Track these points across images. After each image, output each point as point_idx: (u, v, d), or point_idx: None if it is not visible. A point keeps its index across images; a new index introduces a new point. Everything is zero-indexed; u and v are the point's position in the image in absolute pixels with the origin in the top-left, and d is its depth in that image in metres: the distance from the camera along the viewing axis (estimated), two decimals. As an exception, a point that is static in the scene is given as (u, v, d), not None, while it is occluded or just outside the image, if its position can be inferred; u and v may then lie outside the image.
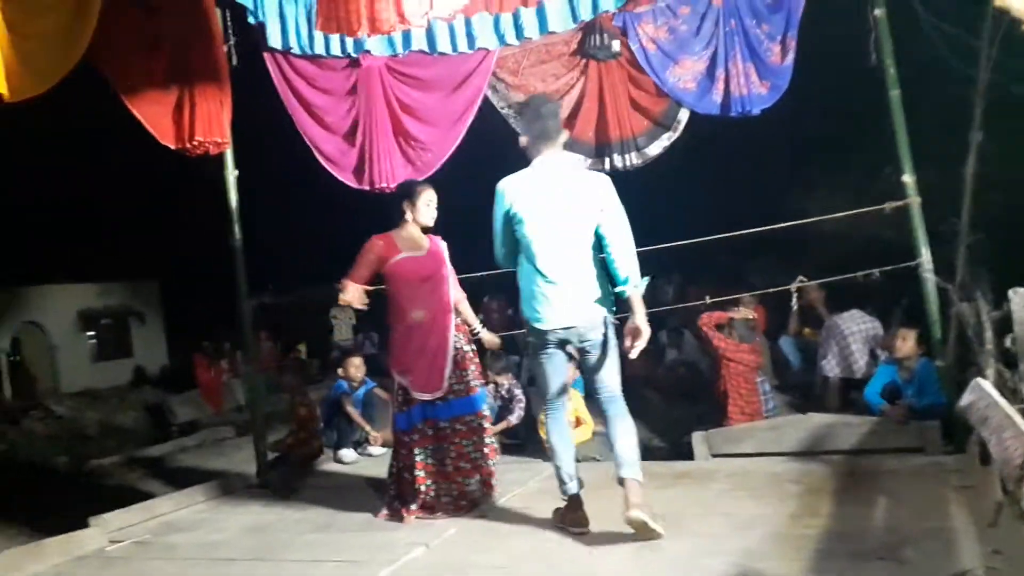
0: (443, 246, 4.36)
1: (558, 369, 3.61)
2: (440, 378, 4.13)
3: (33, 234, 15.28)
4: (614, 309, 3.55)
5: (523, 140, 3.57)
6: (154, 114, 5.07)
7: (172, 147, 5.15)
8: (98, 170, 14.26)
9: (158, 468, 7.70)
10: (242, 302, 5.43)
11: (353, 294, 4.10)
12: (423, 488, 4.11)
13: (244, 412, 9.49)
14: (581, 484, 3.61)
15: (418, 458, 4.13)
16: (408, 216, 4.24)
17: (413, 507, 4.09)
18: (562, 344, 3.54)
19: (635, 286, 3.42)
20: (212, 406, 10.88)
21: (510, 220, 3.48)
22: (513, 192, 3.48)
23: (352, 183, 5.55)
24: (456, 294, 4.37)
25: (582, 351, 3.52)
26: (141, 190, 14.95)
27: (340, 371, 6.84)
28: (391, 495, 4.23)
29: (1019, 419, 2.48)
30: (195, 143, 5.10)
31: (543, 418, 5.77)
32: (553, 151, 3.51)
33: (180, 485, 5.32)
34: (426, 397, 4.13)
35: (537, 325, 3.47)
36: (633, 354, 3.37)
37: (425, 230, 4.32)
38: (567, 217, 3.41)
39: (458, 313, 4.34)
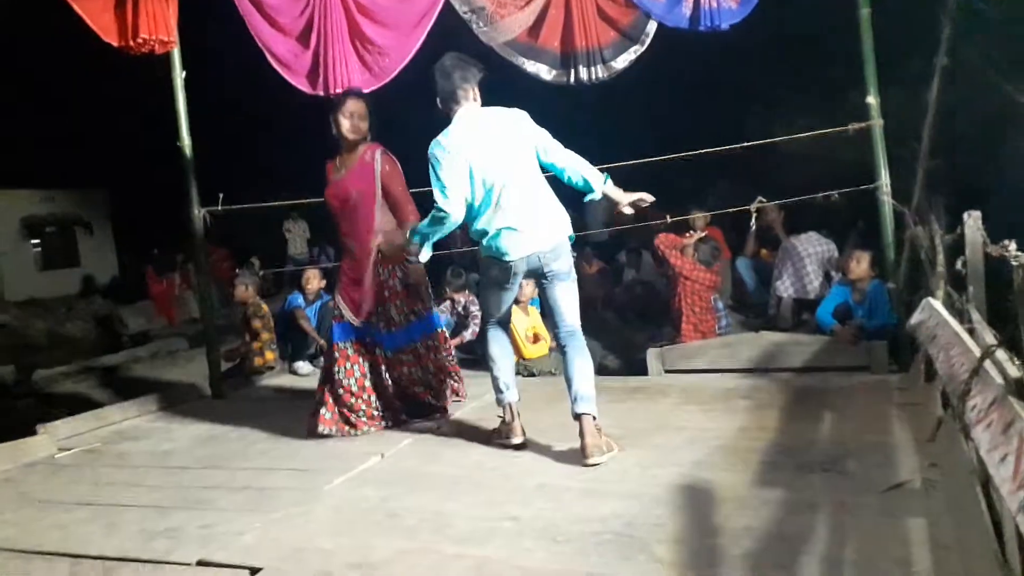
0: (378, 162, 3.99)
1: (510, 298, 3.72)
2: (357, 309, 4.06)
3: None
4: (573, 238, 3.61)
5: (440, 104, 3.61)
6: (96, 9, 4.82)
7: (115, 44, 4.91)
8: (45, 73, 13.56)
9: (109, 378, 7.61)
10: (192, 212, 5.27)
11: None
12: (353, 402, 4.07)
13: (197, 324, 9.36)
14: (518, 395, 3.67)
15: (339, 375, 4.06)
16: (334, 131, 4.01)
17: (329, 416, 4.04)
18: (527, 275, 3.62)
19: (604, 181, 3.57)
20: (165, 317, 10.72)
21: (460, 171, 3.46)
22: (455, 146, 3.47)
23: (306, 88, 5.32)
24: (389, 217, 4.05)
25: (547, 280, 3.56)
26: (88, 94, 14.27)
27: (303, 281, 6.76)
28: (315, 401, 4.16)
29: (967, 337, 2.54)
30: (139, 40, 4.88)
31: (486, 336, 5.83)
32: (468, 103, 3.57)
33: (132, 395, 5.26)
34: (353, 321, 4.07)
35: (505, 258, 3.49)
36: (648, 198, 3.64)
37: (355, 144, 4.02)
38: (508, 155, 3.49)
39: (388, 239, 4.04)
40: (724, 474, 3.02)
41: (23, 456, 4.12)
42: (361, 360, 4.10)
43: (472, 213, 3.56)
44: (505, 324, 3.76)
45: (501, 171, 3.46)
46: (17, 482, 3.79)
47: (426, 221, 3.60)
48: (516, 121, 3.57)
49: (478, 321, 6.45)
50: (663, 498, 2.83)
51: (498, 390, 3.66)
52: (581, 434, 3.35)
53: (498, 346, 3.70)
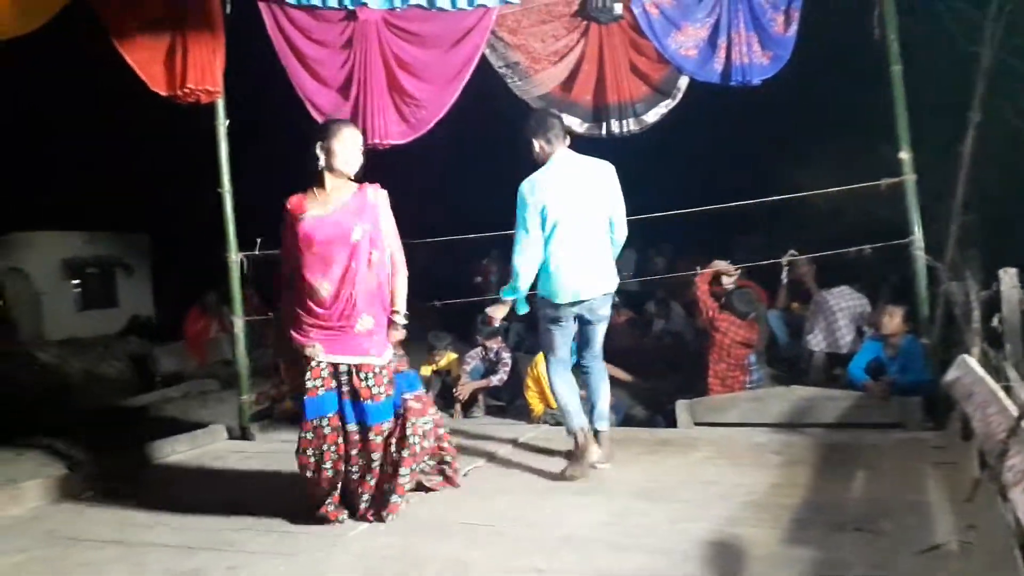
0: (373, 201, 3.47)
1: (568, 336, 3.99)
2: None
3: (20, 180, 15.06)
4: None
5: (538, 145, 3.92)
6: (146, 60, 4.99)
7: (163, 94, 5.08)
8: (90, 119, 14.03)
9: (142, 417, 7.68)
10: (231, 255, 5.38)
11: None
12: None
13: (229, 366, 9.46)
14: (587, 422, 3.96)
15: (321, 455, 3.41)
16: (321, 163, 3.42)
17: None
18: (574, 316, 3.92)
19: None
20: (197, 359, 10.83)
21: (540, 212, 3.78)
22: (541, 187, 3.81)
23: (345, 138, 5.46)
24: (384, 267, 3.48)
25: (588, 322, 3.95)
26: (132, 140, 14.73)
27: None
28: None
29: (1004, 395, 2.49)
30: (186, 90, 5.03)
31: (530, 381, 5.81)
32: (564, 148, 3.93)
33: (162, 435, 5.30)
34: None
35: (557, 300, 3.83)
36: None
37: (345, 179, 3.48)
38: (588, 204, 3.85)
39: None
40: (755, 531, 2.96)
41: (54, 493, 4.17)
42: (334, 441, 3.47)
43: (538, 251, 3.82)
44: (566, 362, 4.03)
45: (575, 216, 3.80)
46: (44, 519, 3.83)
47: (517, 270, 3.83)
48: (605, 172, 3.94)
49: (507, 368, 6.47)
50: (692, 554, 2.78)
51: (568, 421, 3.94)
52: (597, 447, 3.91)
53: (562, 381, 3.98)
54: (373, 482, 3.42)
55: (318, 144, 3.43)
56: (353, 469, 3.42)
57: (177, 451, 5.02)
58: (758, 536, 2.90)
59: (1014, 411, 2.14)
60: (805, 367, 6.76)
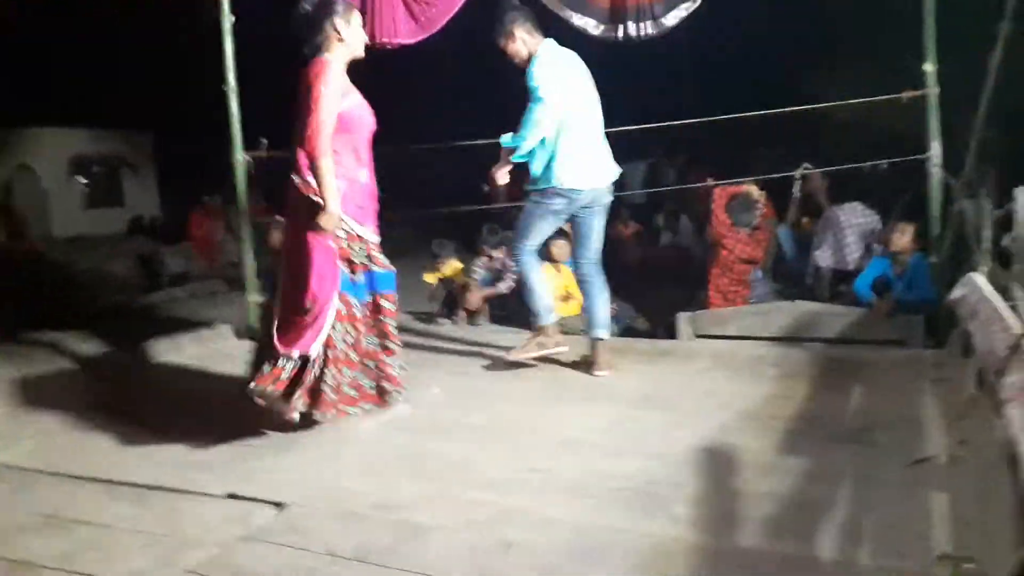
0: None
1: (554, 228, 4.10)
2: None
3: (27, 76, 14.81)
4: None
5: (521, 39, 3.90)
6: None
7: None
8: (95, 15, 13.69)
9: (150, 316, 7.78)
10: (236, 155, 5.31)
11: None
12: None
13: (237, 268, 9.50)
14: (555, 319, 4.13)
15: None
16: (343, 39, 3.30)
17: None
18: (579, 207, 3.94)
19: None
20: (206, 260, 10.89)
21: (559, 80, 3.80)
22: (554, 67, 3.82)
23: (351, 36, 5.30)
24: None
25: (591, 214, 3.98)
26: (137, 38, 14.40)
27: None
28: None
29: (1009, 314, 2.49)
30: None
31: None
32: (544, 38, 3.94)
33: (171, 333, 5.37)
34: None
35: (568, 186, 3.84)
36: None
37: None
38: (589, 92, 3.94)
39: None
40: (748, 440, 3.02)
41: (65, 388, 4.27)
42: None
43: (543, 141, 3.83)
44: (536, 251, 4.11)
45: (584, 102, 3.87)
46: (58, 412, 3.92)
47: (532, 125, 3.79)
48: (585, 68, 3.99)
49: (514, 277, 6.48)
50: (686, 459, 2.85)
51: (538, 313, 4.05)
52: (595, 353, 3.98)
53: (537, 274, 4.07)
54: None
55: (336, 18, 3.29)
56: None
57: (186, 348, 5.08)
58: (751, 444, 2.96)
59: (1017, 329, 2.14)
60: (811, 283, 6.75)
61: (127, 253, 10.83)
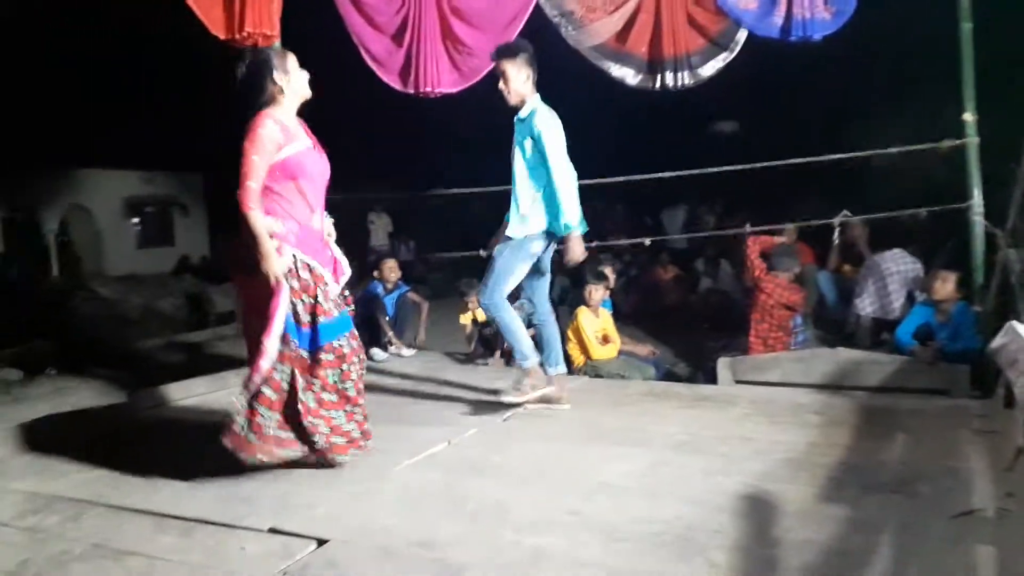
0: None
1: (525, 272, 4.17)
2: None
3: (84, 118, 15.44)
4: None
5: (531, 77, 4.04)
6: (206, 3, 5.05)
7: (221, 38, 5.14)
8: (149, 61, 14.28)
9: (196, 353, 7.97)
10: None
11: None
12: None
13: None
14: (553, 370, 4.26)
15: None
16: (283, 88, 3.29)
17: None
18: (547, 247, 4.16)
19: None
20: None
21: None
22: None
23: (397, 85, 5.49)
24: None
25: (547, 252, 4.19)
26: (188, 82, 14.97)
27: (376, 273, 6.98)
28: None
29: (1051, 364, 2.46)
30: (244, 34, 5.08)
31: (570, 334, 5.85)
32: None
33: (215, 370, 5.50)
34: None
35: (550, 228, 4.02)
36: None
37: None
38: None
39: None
40: (789, 487, 3.00)
41: (115, 418, 4.39)
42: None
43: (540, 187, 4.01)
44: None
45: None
46: (106, 443, 4.04)
47: (571, 195, 3.97)
48: None
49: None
50: (725, 505, 2.83)
51: (525, 356, 4.13)
52: (560, 387, 4.22)
53: (512, 318, 4.13)
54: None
55: (274, 69, 3.28)
56: None
57: (230, 384, 5.19)
58: (791, 492, 2.93)
59: (1061, 380, 2.12)
60: (853, 330, 6.69)
61: (175, 291, 11.13)
